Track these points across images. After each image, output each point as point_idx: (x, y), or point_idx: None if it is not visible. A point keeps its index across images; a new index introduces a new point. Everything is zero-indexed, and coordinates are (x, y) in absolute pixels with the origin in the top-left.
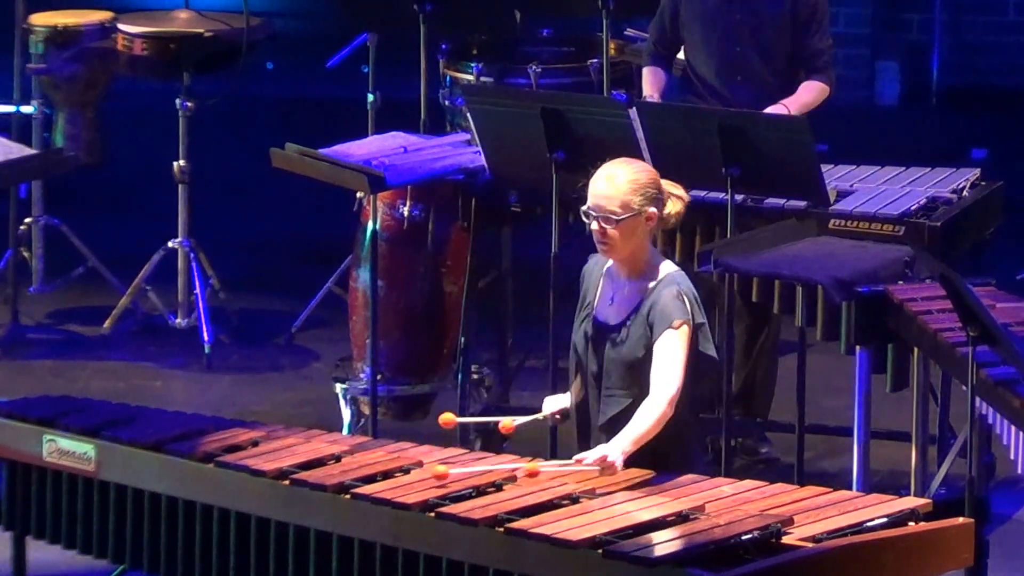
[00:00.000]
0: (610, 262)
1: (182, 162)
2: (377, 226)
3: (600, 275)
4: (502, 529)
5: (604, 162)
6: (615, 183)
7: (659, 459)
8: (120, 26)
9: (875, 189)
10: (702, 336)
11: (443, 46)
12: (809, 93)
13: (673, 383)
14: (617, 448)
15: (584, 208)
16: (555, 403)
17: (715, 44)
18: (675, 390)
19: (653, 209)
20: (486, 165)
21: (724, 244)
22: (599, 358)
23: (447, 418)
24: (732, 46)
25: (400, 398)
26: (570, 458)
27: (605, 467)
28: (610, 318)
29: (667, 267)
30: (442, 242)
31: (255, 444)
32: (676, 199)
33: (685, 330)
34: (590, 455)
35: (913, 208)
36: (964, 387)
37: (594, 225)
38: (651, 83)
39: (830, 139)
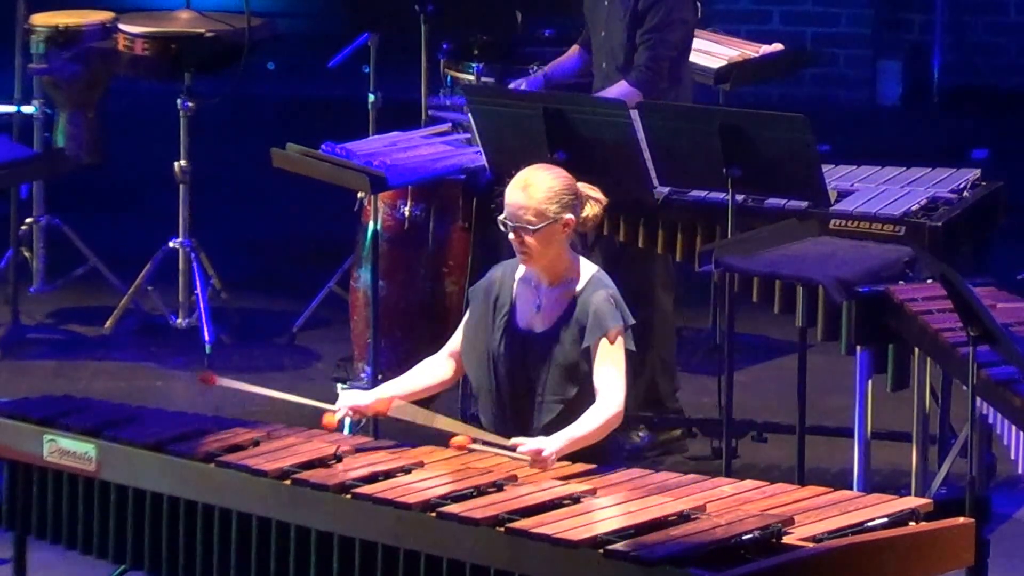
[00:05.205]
0: (523, 268)
1: (183, 162)
2: (378, 226)
3: (513, 282)
4: (503, 529)
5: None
6: (530, 192)
7: (582, 451)
8: (121, 26)
9: (876, 189)
10: (628, 337)
11: (444, 46)
12: (610, 91)
13: (620, 393)
14: (554, 445)
15: (501, 218)
16: (352, 397)
17: (594, 30)
18: (623, 399)
19: (570, 216)
20: (487, 165)
21: (724, 244)
22: (529, 367)
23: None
24: (598, 33)
25: None
26: (508, 439)
27: (536, 460)
28: (536, 326)
29: (588, 268)
30: (442, 242)
31: (256, 444)
32: (594, 202)
33: (621, 339)
34: (528, 443)
35: (914, 208)
36: (965, 387)
37: (511, 235)
38: (556, 61)
39: (831, 139)
